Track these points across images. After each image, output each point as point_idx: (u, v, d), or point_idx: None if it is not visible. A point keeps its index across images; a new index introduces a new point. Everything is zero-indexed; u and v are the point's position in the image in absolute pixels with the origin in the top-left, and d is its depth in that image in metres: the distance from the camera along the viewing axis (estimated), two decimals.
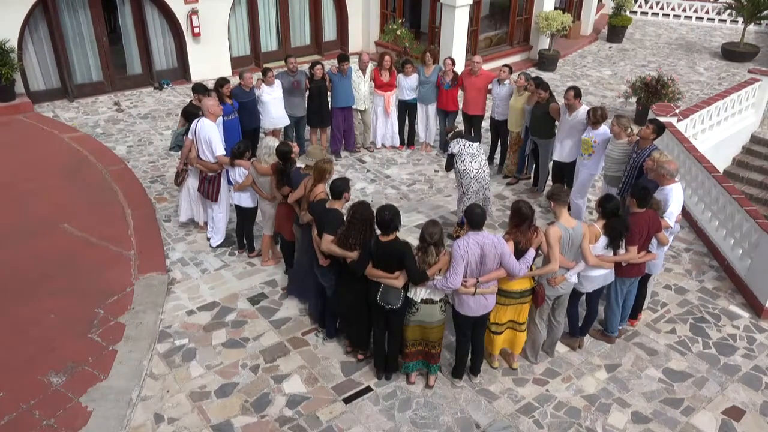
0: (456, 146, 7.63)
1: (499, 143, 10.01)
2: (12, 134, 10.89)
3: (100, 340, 6.28)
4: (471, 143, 7.68)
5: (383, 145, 10.77)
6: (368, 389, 5.90)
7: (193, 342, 6.41)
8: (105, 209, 8.64)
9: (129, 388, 5.75)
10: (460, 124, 10.24)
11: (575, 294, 6.14)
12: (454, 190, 9.08)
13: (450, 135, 7.88)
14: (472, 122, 10.03)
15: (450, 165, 7.79)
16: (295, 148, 6.97)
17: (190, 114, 8.19)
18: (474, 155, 7.67)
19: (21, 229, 8.04)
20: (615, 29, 18.00)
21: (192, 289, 7.20)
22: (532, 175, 9.66)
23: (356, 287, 5.70)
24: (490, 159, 10.03)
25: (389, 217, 5.36)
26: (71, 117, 11.81)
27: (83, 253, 7.67)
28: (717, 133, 11.62)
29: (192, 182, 7.87)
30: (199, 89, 8.54)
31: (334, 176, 6.24)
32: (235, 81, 9.29)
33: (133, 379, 5.84)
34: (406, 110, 10.47)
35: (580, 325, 6.45)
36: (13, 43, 11.31)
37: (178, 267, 7.58)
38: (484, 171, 7.76)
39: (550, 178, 9.14)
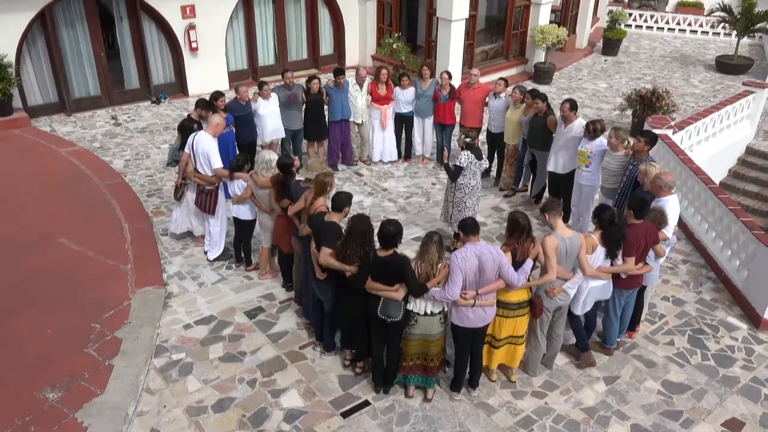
0: (464, 159, 7.64)
1: (495, 156, 10.07)
2: (9, 149, 10.89)
3: (96, 355, 6.24)
4: (478, 161, 7.71)
5: (381, 161, 10.78)
6: (366, 403, 5.87)
7: (190, 356, 6.38)
8: (102, 223, 8.63)
9: (125, 403, 5.71)
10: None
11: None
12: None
13: (465, 141, 7.67)
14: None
15: (457, 176, 7.74)
16: (296, 162, 6.98)
17: (185, 128, 8.21)
18: (475, 173, 7.73)
19: (18, 244, 8.02)
20: (610, 42, 18.14)
21: (189, 303, 7.17)
22: (530, 187, 9.68)
23: (355, 300, 5.68)
24: (487, 171, 10.06)
25: (394, 231, 5.36)
26: (68, 131, 11.83)
27: (80, 267, 7.64)
28: (713, 145, 11.68)
29: (191, 195, 7.86)
30: (202, 104, 8.56)
31: (333, 190, 6.25)
32: (230, 95, 9.31)
33: (130, 394, 5.80)
34: (403, 123, 10.51)
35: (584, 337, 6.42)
36: (11, 57, 11.33)
37: (175, 281, 7.56)
38: (478, 189, 7.88)
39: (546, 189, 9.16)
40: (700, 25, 20.67)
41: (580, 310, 6.12)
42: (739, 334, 6.95)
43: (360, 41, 15.95)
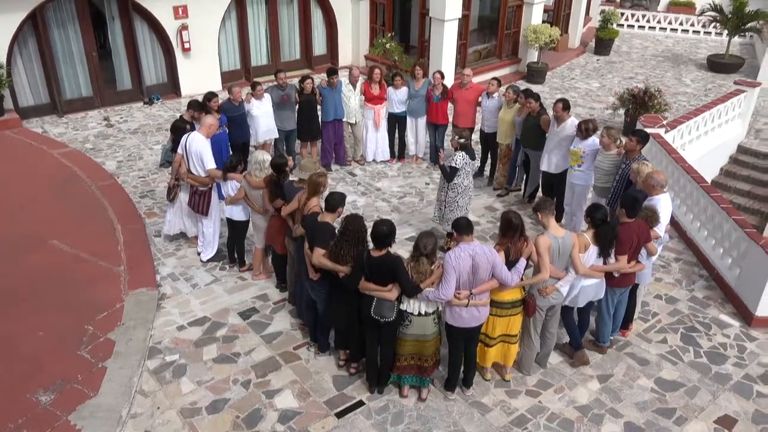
0: (459, 160, 7.66)
1: (489, 155, 10.09)
2: (0, 150, 10.82)
3: (89, 357, 6.22)
4: (471, 161, 7.74)
5: (374, 160, 10.79)
6: (361, 403, 5.87)
7: (184, 358, 6.36)
8: (94, 225, 8.59)
9: (119, 405, 5.69)
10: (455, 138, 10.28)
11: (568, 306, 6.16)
12: None
13: (459, 140, 7.69)
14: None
15: (452, 177, 7.76)
16: (290, 162, 6.97)
17: (178, 129, 8.18)
18: (468, 173, 7.76)
19: (9, 245, 7.97)
20: (602, 42, 18.19)
21: (182, 304, 7.15)
22: (523, 186, 9.71)
23: (349, 300, 5.68)
24: (480, 171, 10.08)
25: (387, 231, 5.35)
26: (60, 133, 11.77)
27: (72, 269, 7.61)
28: (704, 144, 11.74)
29: (184, 197, 7.85)
30: (195, 105, 8.54)
31: (327, 190, 6.24)
32: (223, 95, 9.28)
33: (123, 396, 5.79)
34: (396, 123, 10.52)
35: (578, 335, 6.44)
36: (2, 58, 11.27)
37: (168, 282, 7.54)
38: (470, 188, 7.92)
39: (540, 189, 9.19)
40: (692, 25, 20.75)
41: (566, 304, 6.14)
42: (731, 332, 6.99)
43: (353, 41, 15.94)
